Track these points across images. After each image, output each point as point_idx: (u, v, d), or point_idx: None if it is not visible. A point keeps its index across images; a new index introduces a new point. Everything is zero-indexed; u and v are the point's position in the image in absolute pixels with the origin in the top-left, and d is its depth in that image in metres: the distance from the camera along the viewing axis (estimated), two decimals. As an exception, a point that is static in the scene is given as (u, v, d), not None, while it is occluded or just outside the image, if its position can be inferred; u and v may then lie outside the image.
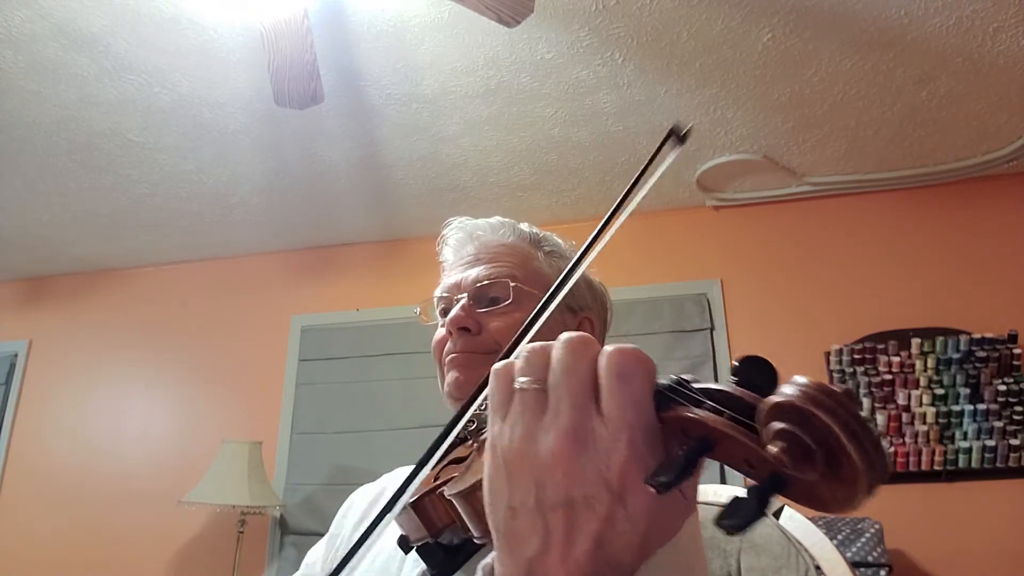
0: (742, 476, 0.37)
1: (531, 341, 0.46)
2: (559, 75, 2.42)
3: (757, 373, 0.37)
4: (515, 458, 0.40)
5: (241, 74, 2.42)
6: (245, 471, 3.00)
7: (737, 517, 0.33)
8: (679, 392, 0.39)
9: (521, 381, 0.42)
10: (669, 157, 0.49)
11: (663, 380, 0.40)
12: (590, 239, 0.52)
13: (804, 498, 0.34)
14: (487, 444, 0.43)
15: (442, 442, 0.50)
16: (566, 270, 0.54)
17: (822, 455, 0.32)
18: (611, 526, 0.38)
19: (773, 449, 0.33)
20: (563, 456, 0.38)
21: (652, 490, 0.35)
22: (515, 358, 0.44)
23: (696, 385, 0.39)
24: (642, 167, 0.50)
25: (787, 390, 0.33)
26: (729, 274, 3.16)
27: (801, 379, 0.34)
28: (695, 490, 0.42)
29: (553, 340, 0.43)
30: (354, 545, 0.52)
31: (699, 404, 0.37)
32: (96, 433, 3.67)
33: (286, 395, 3.48)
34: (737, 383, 0.37)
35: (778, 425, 0.33)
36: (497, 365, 0.45)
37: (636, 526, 0.38)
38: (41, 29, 2.20)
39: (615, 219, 0.52)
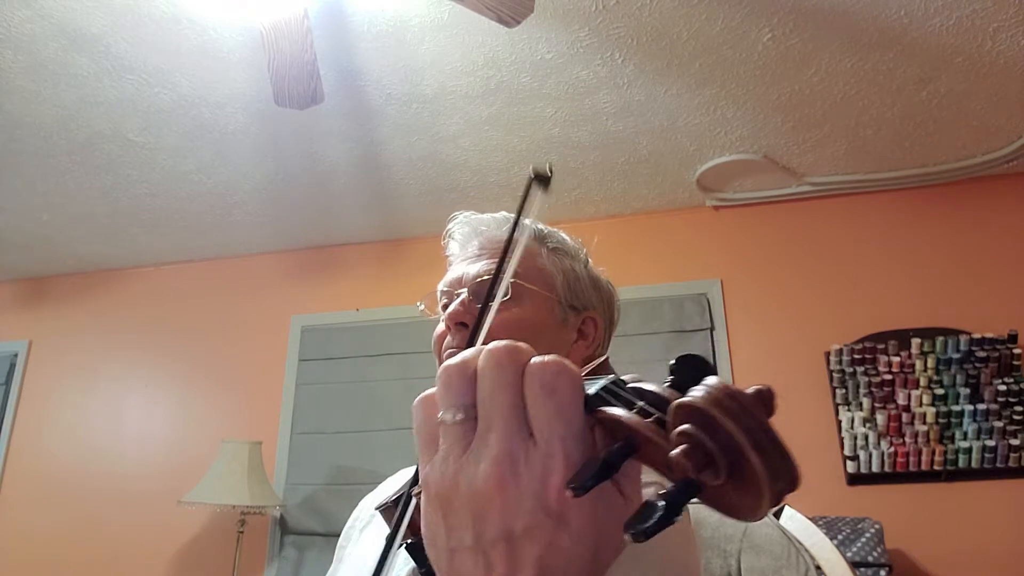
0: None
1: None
2: (559, 75, 2.42)
3: (690, 372, 0.35)
4: (448, 495, 0.38)
5: (241, 74, 2.42)
6: (245, 471, 3.00)
7: (645, 522, 0.31)
8: (612, 393, 0.37)
9: (444, 416, 0.39)
10: (537, 199, 0.49)
11: (600, 382, 0.38)
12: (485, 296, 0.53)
13: (716, 505, 0.33)
14: (420, 483, 0.40)
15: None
16: (472, 327, 0.53)
17: (724, 462, 0.31)
18: (554, 550, 0.36)
19: (675, 452, 0.31)
20: (498, 486, 0.36)
21: (591, 500, 0.33)
22: (435, 386, 0.41)
23: (631, 385, 0.38)
24: (516, 212, 0.52)
25: (695, 392, 0.32)
26: (729, 274, 3.16)
27: (711, 380, 0.32)
28: (637, 490, 0.40)
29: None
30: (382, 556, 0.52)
31: (631, 406, 0.36)
32: (96, 433, 3.66)
33: (286, 395, 3.48)
34: (671, 384, 0.35)
35: (681, 427, 0.32)
36: (417, 401, 0.42)
37: (582, 541, 0.37)
38: (41, 29, 2.20)
39: (506, 262, 0.52)
